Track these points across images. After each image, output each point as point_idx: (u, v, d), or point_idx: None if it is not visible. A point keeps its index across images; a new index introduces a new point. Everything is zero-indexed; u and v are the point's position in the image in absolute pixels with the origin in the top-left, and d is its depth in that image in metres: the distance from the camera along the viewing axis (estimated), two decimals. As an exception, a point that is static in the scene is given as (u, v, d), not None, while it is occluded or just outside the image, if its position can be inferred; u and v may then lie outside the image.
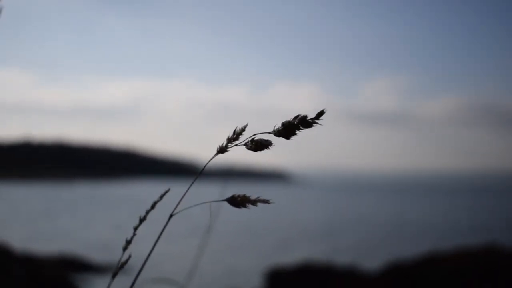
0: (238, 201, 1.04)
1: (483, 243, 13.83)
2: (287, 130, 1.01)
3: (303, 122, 1.00)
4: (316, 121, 0.99)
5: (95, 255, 21.88)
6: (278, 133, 1.02)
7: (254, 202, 1.04)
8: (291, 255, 22.94)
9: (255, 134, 1.03)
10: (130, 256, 1.12)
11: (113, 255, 22.33)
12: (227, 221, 35.09)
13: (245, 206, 1.05)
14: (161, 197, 1.12)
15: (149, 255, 1.03)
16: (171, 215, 1.05)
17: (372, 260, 21.78)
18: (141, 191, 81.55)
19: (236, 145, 1.04)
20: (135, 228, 1.13)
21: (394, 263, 13.84)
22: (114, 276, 1.13)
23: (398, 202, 71.01)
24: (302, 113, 1.01)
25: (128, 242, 1.13)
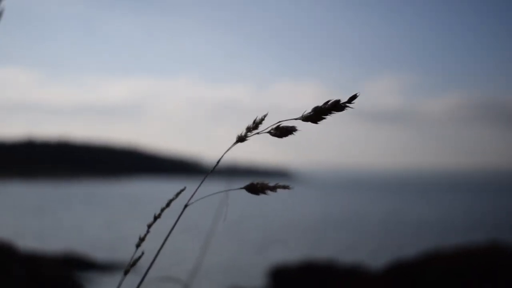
0: (257, 188, 1.04)
1: (485, 241, 13.83)
2: (318, 114, 1.01)
3: (336, 106, 1.00)
4: (348, 105, 1.00)
5: (98, 254, 21.91)
6: (306, 118, 1.02)
7: (274, 189, 1.04)
8: (294, 254, 22.94)
9: (280, 121, 1.02)
10: (143, 253, 1.13)
11: (116, 254, 22.37)
12: (230, 219, 35.11)
13: (264, 193, 1.04)
14: (177, 195, 1.12)
15: (159, 250, 1.04)
16: (185, 206, 1.05)
17: (374, 259, 21.78)
18: (144, 189, 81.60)
19: (258, 133, 1.03)
20: (149, 226, 1.14)
21: (396, 261, 13.84)
22: (126, 273, 1.13)
23: (400, 200, 70.96)
24: (334, 98, 1.01)
25: (142, 239, 1.13)
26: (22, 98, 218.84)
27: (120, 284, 1.14)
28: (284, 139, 1.03)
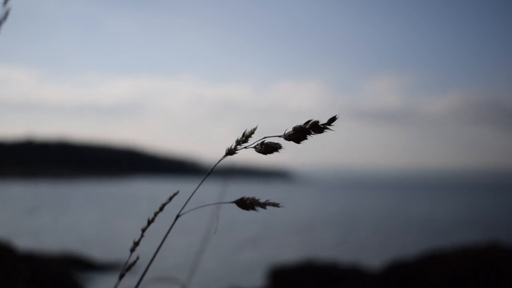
0: (247, 204, 1.04)
1: (485, 241, 13.82)
2: (298, 134, 1.01)
3: (315, 127, 1.00)
4: (328, 126, 1.00)
5: (97, 254, 21.90)
6: (288, 137, 1.02)
7: (264, 205, 1.04)
8: (293, 253, 22.94)
9: (265, 137, 1.03)
10: (138, 258, 1.12)
11: (115, 253, 22.36)
12: (228, 219, 35.11)
13: (253, 209, 1.04)
14: (170, 199, 1.11)
15: (154, 255, 1.03)
16: (177, 216, 1.05)
17: (374, 258, 21.78)
18: (143, 189, 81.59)
19: (245, 147, 1.04)
20: (143, 230, 1.13)
21: (396, 261, 13.83)
22: (121, 277, 1.12)
23: (401, 199, 70.98)
24: (314, 118, 1.01)
25: (136, 244, 1.13)
26: (22, 97, 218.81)
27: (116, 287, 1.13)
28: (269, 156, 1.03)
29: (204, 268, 18.70)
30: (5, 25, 1.44)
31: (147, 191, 75.98)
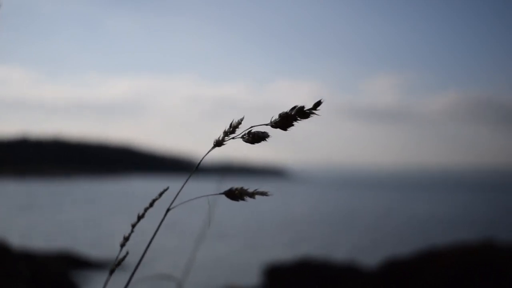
0: (236, 194, 1.04)
1: (482, 239, 13.85)
2: (285, 121, 1.00)
3: (300, 113, 0.99)
4: (314, 111, 0.99)
5: (94, 252, 21.89)
6: (275, 124, 1.01)
7: (252, 195, 1.04)
8: (289, 251, 22.95)
9: (252, 127, 1.02)
10: (127, 253, 1.13)
11: (112, 251, 22.35)
12: (224, 217, 35.11)
13: (243, 199, 1.04)
14: (160, 194, 1.12)
15: (146, 250, 1.04)
16: (168, 210, 1.05)
17: (370, 256, 21.80)
18: (140, 187, 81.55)
19: (233, 138, 1.03)
20: (133, 225, 1.14)
21: (392, 259, 13.86)
22: (111, 272, 1.13)
23: (396, 198, 71.05)
24: (299, 104, 1.00)
25: (126, 239, 1.13)
26: (17, 95, 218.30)
27: (106, 283, 1.14)
28: (256, 145, 1.03)
29: (199, 266, 18.70)
30: (2, 25, 1.43)
31: (144, 189, 75.92)
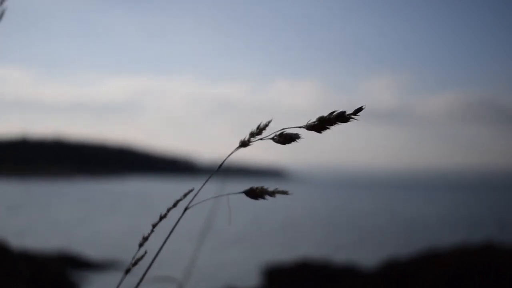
0: (256, 193, 1.04)
1: (481, 240, 13.85)
2: (322, 124, 1.02)
3: (341, 117, 1.01)
4: (353, 116, 1.00)
5: (93, 252, 21.88)
6: (311, 127, 1.03)
7: (273, 194, 1.04)
8: (289, 252, 22.95)
9: (284, 128, 1.03)
10: (146, 252, 1.12)
11: (111, 252, 22.34)
12: (223, 218, 35.07)
13: (263, 198, 1.04)
14: (185, 195, 1.12)
15: (160, 248, 1.03)
16: (186, 208, 1.05)
17: (369, 258, 21.80)
18: (138, 188, 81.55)
19: (261, 139, 1.04)
20: (154, 225, 1.13)
21: (392, 260, 13.86)
22: (127, 272, 1.13)
23: (397, 199, 71.07)
24: (339, 109, 1.02)
25: (145, 239, 1.13)
26: (17, 96, 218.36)
27: (120, 283, 1.13)
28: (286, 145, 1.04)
29: (200, 267, 18.70)
30: (1, 25, 1.43)
31: (142, 189, 75.92)
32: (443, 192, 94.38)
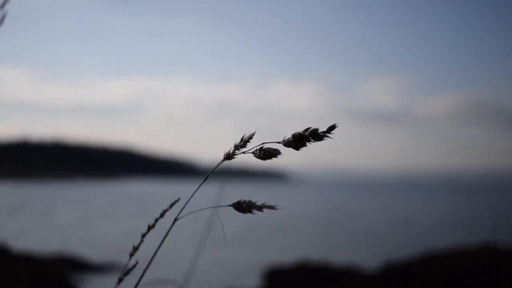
0: (244, 207, 1.04)
1: (481, 241, 13.85)
2: (298, 141, 1.02)
3: (314, 135, 1.01)
4: (328, 134, 1.00)
5: (93, 254, 21.88)
6: (287, 144, 1.02)
7: (260, 208, 1.04)
8: (289, 254, 22.94)
9: (263, 143, 1.03)
10: (137, 263, 1.12)
11: (111, 254, 22.33)
12: (225, 219, 35.04)
13: (250, 212, 1.04)
14: (171, 206, 1.12)
15: (152, 258, 1.04)
16: (175, 219, 1.05)
17: (369, 259, 21.80)
18: (139, 190, 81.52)
19: (244, 152, 1.04)
20: (143, 235, 1.13)
21: (392, 261, 13.86)
22: (119, 281, 1.13)
23: (397, 199, 71.05)
24: (312, 125, 1.02)
25: (135, 249, 1.13)
26: (17, 97, 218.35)
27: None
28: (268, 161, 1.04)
29: (199, 268, 18.69)
30: (3, 28, 1.44)
31: (142, 192, 75.89)
32: (443, 193, 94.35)
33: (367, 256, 23.49)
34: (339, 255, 22.92)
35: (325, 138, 1.01)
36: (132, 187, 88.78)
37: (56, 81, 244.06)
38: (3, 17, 1.42)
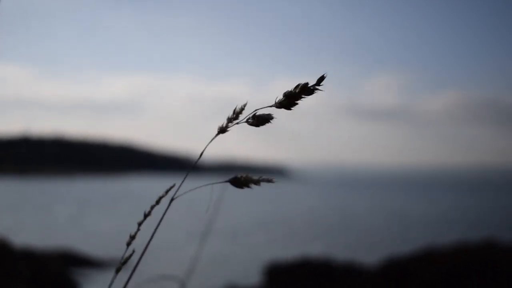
0: (241, 181, 1.03)
1: (482, 238, 13.86)
2: (289, 100, 1.01)
3: (305, 90, 1.00)
4: (317, 87, 1.00)
5: (94, 250, 21.90)
6: (280, 104, 1.01)
7: (257, 182, 1.02)
8: (290, 250, 22.96)
9: (256, 110, 1.02)
10: (133, 251, 1.12)
11: (112, 250, 22.35)
12: (226, 216, 35.11)
13: (248, 186, 1.03)
14: (167, 192, 1.12)
15: (149, 240, 1.04)
16: (172, 199, 1.05)
17: (370, 256, 21.82)
18: (140, 186, 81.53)
19: (237, 123, 1.03)
20: (139, 224, 1.13)
21: (392, 258, 13.87)
22: (117, 271, 1.12)
23: (397, 197, 71.04)
24: (303, 82, 1.01)
25: (132, 237, 1.13)
26: (18, 94, 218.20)
27: (112, 282, 1.14)
28: (262, 128, 1.03)
29: (201, 265, 18.71)
30: (2, 23, 1.45)
31: (143, 188, 75.90)
32: (443, 191, 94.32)
33: (368, 253, 23.51)
34: (339, 252, 22.93)
35: (316, 91, 1.00)
36: (133, 184, 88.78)
37: (57, 77, 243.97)
38: None
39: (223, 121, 1.04)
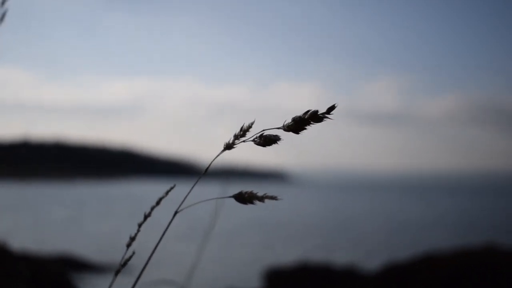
0: (245, 198, 1.04)
1: (483, 242, 13.84)
2: (298, 125, 1.02)
3: (314, 117, 1.01)
4: (327, 115, 1.00)
5: (94, 255, 21.88)
6: (288, 128, 1.02)
7: (262, 199, 1.04)
8: (289, 254, 22.94)
9: (264, 130, 1.03)
10: (133, 253, 1.11)
11: (112, 254, 22.33)
12: (225, 220, 35.10)
13: (252, 203, 1.04)
14: (167, 193, 1.11)
15: (152, 252, 1.03)
16: (176, 212, 1.05)
17: (370, 260, 21.80)
18: (140, 190, 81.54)
19: (244, 141, 1.04)
20: (140, 225, 1.12)
21: (392, 262, 13.85)
22: (116, 273, 1.11)
23: (398, 201, 71.04)
24: (313, 109, 1.02)
25: (132, 239, 1.12)
26: (18, 97, 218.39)
27: (111, 285, 1.13)
28: (268, 148, 1.04)
29: (201, 269, 18.69)
30: (2, 26, 1.44)
31: (143, 192, 75.90)
32: (444, 194, 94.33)
33: (368, 257, 23.49)
34: (339, 256, 22.92)
35: (325, 119, 1.01)
36: (133, 187, 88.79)
37: (57, 81, 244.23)
38: (3, 14, 1.41)
39: (229, 138, 1.06)
